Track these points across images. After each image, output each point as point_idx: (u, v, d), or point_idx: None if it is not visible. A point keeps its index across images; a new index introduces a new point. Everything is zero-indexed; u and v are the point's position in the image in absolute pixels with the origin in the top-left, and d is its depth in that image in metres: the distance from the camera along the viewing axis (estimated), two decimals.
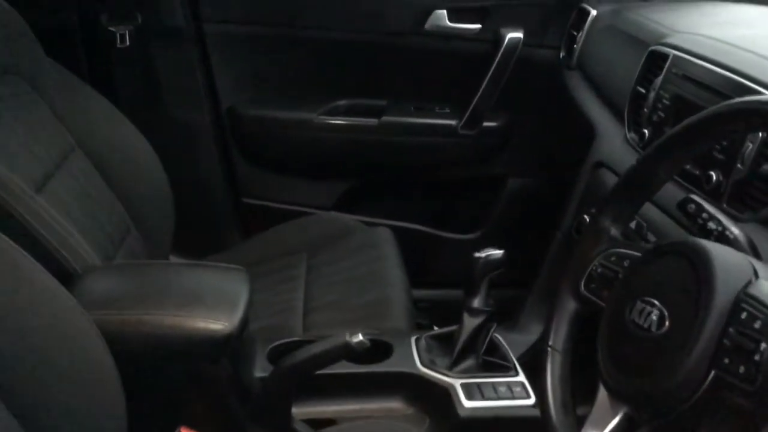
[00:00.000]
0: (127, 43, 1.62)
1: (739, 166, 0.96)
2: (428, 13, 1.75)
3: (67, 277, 1.13)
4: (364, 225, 1.74)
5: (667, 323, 0.69)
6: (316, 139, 1.82)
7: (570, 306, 0.86)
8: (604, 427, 0.73)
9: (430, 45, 1.78)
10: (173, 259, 1.77)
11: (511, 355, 1.24)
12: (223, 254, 1.74)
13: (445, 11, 1.75)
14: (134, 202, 1.53)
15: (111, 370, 0.93)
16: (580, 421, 0.77)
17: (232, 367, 1.11)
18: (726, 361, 0.63)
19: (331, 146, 1.83)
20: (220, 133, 1.81)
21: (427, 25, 1.75)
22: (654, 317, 0.70)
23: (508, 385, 1.17)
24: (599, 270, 0.83)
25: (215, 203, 1.85)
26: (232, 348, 1.08)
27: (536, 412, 1.10)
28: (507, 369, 1.20)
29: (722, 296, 0.65)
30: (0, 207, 1.13)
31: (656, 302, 0.70)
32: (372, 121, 1.81)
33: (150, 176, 1.58)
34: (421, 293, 1.84)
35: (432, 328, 1.87)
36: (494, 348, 1.25)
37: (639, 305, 0.72)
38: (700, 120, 0.76)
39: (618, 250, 0.83)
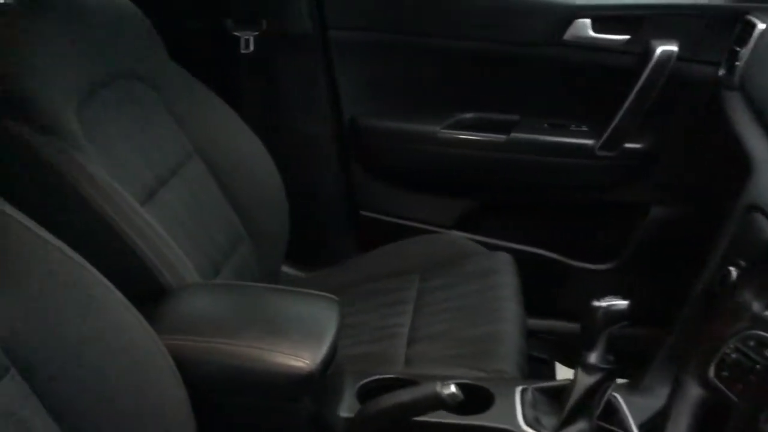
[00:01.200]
0: (251, 49, 1.60)
1: None
2: (569, 22, 1.60)
3: (160, 293, 1.11)
4: (483, 248, 1.63)
5: None
6: (440, 154, 1.73)
7: (694, 392, 0.71)
8: None
9: (570, 57, 1.63)
10: (285, 269, 1.74)
11: (631, 421, 1.08)
12: (334, 268, 1.69)
13: (588, 20, 1.60)
14: (249, 211, 1.50)
15: (182, 403, 0.89)
16: None
17: (314, 405, 1.03)
18: None
19: (455, 162, 1.73)
20: (340, 143, 1.75)
21: (567, 35, 1.61)
22: None
23: None
24: (734, 355, 0.68)
25: (331, 215, 1.81)
26: (314, 386, 1.00)
27: None
28: None
29: None
30: (101, 218, 1.12)
31: None
32: (500, 137, 1.68)
33: (266, 185, 1.55)
34: (541, 323, 1.72)
35: (550, 363, 1.74)
36: (611, 411, 1.09)
37: None
38: None
39: (760, 333, 0.67)
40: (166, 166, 1.37)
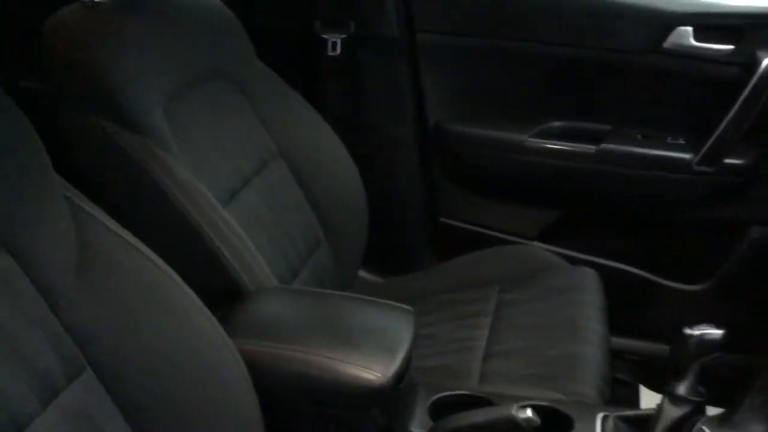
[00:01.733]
0: (338, 51, 1.59)
1: None
2: (670, 29, 1.53)
3: (237, 295, 1.11)
4: (566, 263, 1.57)
5: None
6: (526, 163, 1.67)
7: None
8: None
9: (668, 65, 1.55)
10: (362, 274, 1.72)
11: None
12: (412, 275, 1.67)
13: (690, 29, 1.52)
14: (329, 214, 1.50)
15: (252, 409, 0.89)
16: None
17: (384, 418, 1.01)
18: None
19: (541, 172, 1.67)
20: (423, 148, 1.72)
21: (667, 44, 1.53)
22: None
23: None
24: None
25: (411, 220, 1.78)
26: (385, 399, 0.98)
27: None
28: None
29: None
30: (184, 218, 1.14)
31: None
32: (590, 147, 1.62)
33: (347, 188, 1.54)
34: (626, 343, 1.65)
35: (634, 386, 1.67)
36: None
37: None
38: None
39: None
40: (249, 166, 1.38)
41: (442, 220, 1.78)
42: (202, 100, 1.32)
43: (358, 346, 0.99)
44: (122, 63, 1.16)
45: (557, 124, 1.66)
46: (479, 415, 0.98)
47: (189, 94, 1.29)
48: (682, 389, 0.99)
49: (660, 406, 1.02)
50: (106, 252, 0.81)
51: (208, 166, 1.27)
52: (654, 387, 1.60)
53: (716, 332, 0.98)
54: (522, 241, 1.71)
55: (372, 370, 0.95)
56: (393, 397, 1.01)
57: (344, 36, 1.60)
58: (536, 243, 1.70)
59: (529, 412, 0.93)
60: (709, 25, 1.52)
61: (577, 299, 1.45)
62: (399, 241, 1.77)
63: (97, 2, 1.19)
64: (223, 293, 1.11)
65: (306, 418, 0.99)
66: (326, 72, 1.66)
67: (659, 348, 1.64)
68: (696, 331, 0.99)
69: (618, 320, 1.43)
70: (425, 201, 1.76)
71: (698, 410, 1.00)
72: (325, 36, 1.60)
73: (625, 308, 1.50)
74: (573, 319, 1.39)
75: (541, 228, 1.72)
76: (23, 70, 1.46)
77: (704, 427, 1.03)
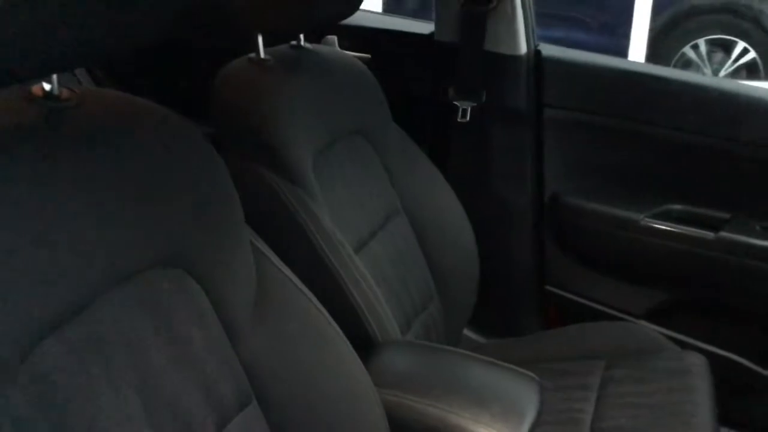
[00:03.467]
0: (467, 118, 1.67)
1: None
2: None
3: (368, 344, 1.17)
4: (674, 345, 1.57)
5: None
6: (638, 242, 1.69)
7: None
8: None
9: None
10: (467, 333, 1.76)
11: None
12: (514, 339, 1.69)
13: None
14: (443, 272, 1.56)
15: None
16: None
17: None
18: None
19: (654, 253, 1.68)
20: (538, 217, 1.77)
21: None
22: None
23: None
24: None
25: (519, 285, 1.81)
26: None
27: None
28: None
29: None
30: (325, 265, 1.21)
31: None
32: (708, 234, 1.62)
33: (462, 249, 1.60)
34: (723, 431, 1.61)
35: None
36: None
37: None
38: None
39: None
40: (377, 220, 1.46)
41: (549, 288, 1.81)
42: (343, 155, 1.41)
43: (488, 407, 1.03)
44: (282, 116, 1.26)
45: (676, 207, 1.67)
46: None
47: (334, 148, 1.38)
48: None
49: None
50: (277, 293, 0.89)
51: (345, 217, 1.35)
52: None
53: None
54: (628, 318, 1.72)
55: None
56: None
57: (474, 104, 1.67)
58: (643, 322, 1.70)
59: None
60: None
61: (686, 384, 1.44)
62: (505, 305, 1.80)
63: (263, 58, 1.30)
64: (353, 339, 1.18)
65: None
66: (454, 137, 1.73)
67: None
68: None
69: (725, 411, 1.42)
70: (535, 268, 1.80)
71: None
72: (457, 103, 1.67)
73: (732, 399, 1.48)
74: (681, 404, 1.39)
75: (649, 308, 1.73)
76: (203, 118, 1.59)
77: None
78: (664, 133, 1.65)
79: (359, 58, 1.58)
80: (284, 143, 1.24)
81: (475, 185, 1.73)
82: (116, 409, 0.68)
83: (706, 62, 5.20)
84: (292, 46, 1.39)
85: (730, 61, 5.23)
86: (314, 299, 0.92)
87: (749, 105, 1.59)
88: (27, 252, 0.60)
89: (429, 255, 1.55)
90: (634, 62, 2.36)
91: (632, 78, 1.67)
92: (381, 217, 1.48)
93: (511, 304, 1.81)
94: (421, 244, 1.55)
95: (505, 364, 1.16)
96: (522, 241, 1.78)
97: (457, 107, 1.67)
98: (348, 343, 0.93)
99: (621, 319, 1.72)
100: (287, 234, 1.21)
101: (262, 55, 1.30)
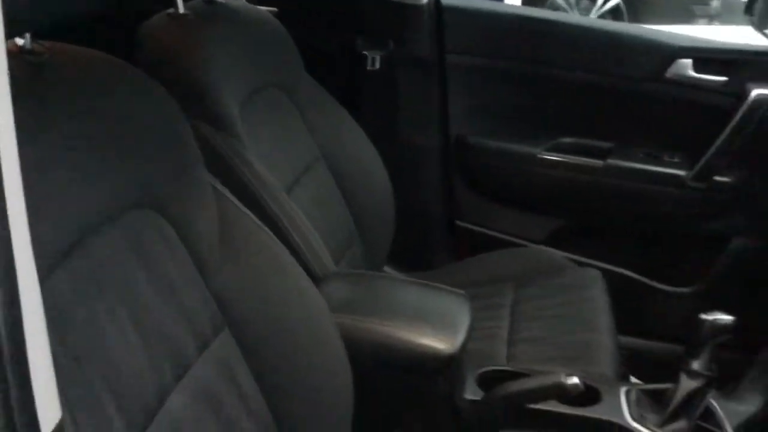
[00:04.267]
0: (377, 66, 1.75)
1: None
2: (672, 61, 1.73)
3: (311, 277, 1.25)
4: (574, 264, 1.74)
5: None
6: (537, 174, 1.85)
7: None
8: None
9: (669, 93, 1.75)
10: (387, 269, 1.87)
11: (727, 424, 1.19)
12: (432, 272, 1.81)
13: (690, 61, 1.72)
14: (362, 214, 1.65)
15: (347, 370, 1.02)
16: None
17: (447, 385, 1.17)
18: None
19: (551, 183, 1.85)
20: (445, 157, 1.89)
21: (669, 73, 1.73)
22: None
23: None
24: None
25: (432, 223, 1.94)
26: (449, 368, 1.14)
27: None
28: None
29: None
30: (258, 204, 1.27)
31: None
32: (597, 162, 1.80)
33: (378, 191, 1.69)
34: (624, 340, 1.81)
35: (626, 377, 1.84)
36: (709, 415, 1.21)
37: None
38: None
39: None
40: (300, 166, 1.53)
41: (459, 223, 1.95)
42: (263, 107, 1.46)
43: (428, 321, 1.15)
44: (207, 66, 1.30)
45: (568, 140, 1.84)
46: (529, 383, 1.15)
47: (256, 99, 1.43)
48: (697, 365, 1.18)
49: (678, 380, 1.20)
50: (241, 229, 0.96)
51: (272, 163, 1.41)
52: (642, 379, 1.78)
53: (728, 318, 1.17)
54: (532, 244, 1.89)
55: (443, 341, 1.11)
56: (454, 368, 1.16)
57: (383, 53, 1.76)
58: (544, 247, 1.87)
59: (575, 379, 1.10)
60: (706, 58, 1.72)
61: (587, 295, 1.62)
62: (420, 242, 1.92)
63: (180, 13, 1.33)
64: None
65: (383, 386, 1.14)
66: (365, 86, 1.82)
67: (655, 345, 1.82)
68: (710, 317, 1.17)
69: (617, 319, 1.60)
70: (445, 205, 1.93)
71: (710, 384, 1.18)
72: (366, 53, 1.75)
73: (623, 308, 1.67)
74: (585, 312, 1.56)
75: (549, 233, 1.90)
76: None
77: (713, 401, 1.22)
78: (557, 74, 1.80)
79: (268, 11, 1.63)
80: (212, 92, 1.29)
81: (387, 130, 1.82)
82: (117, 340, 0.74)
83: (574, 8, 5.51)
84: (207, 1, 1.43)
85: (595, 8, 5.56)
86: (271, 234, 1.00)
87: (631, 45, 1.77)
88: None
89: (348, 198, 1.63)
90: (529, 8, 2.50)
91: (527, 23, 1.81)
92: (303, 164, 1.55)
93: (425, 239, 1.93)
94: (341, 188, 1.63)
95: (437, 285, 1.28)
96: (432, 180, 1.90)
97: (365, 56, 1.76)
98: (304, 272, 1.02)
99: (525, 245, 1.88)
100: (224, 180, 1.27)
101: (181, 9, 1.33)
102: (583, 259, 1.82)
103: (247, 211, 0.98)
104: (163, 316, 0.81)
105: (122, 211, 0.78)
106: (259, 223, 0.98)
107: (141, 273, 0.79)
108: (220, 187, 0.97)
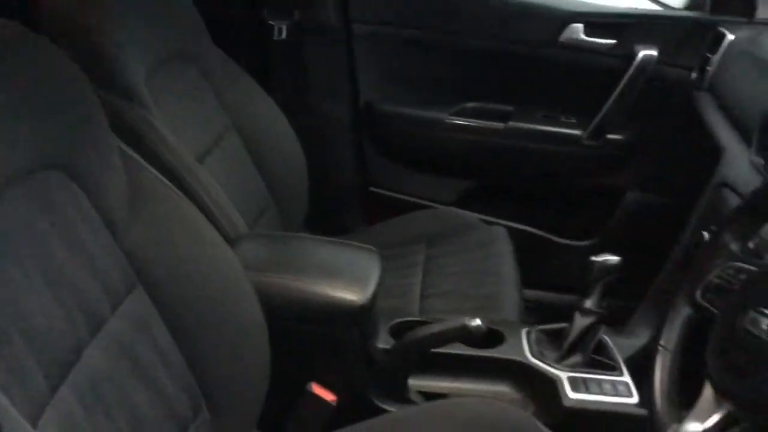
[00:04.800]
0: (284, 36, 1.78)
1: None
2: (564, 25, 1.82)
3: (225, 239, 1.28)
4: (482, 222, 1.83)
5: None
6: (444, 138, 1.93)
7: (684, 312, 0.93)
8: (706, 420, 0.80)
9: (563, 56, 1.85)
10: (303, 235, 1.91)
11: (618, 356, 1.30)
12: (347, 236, 1.86)
13: (581, 25, 1.82)
14: (275, 182, 1.68)
15: (262, 325, 1.06)
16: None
17: (360, 335, 1.23)
18: None
19: (458, 146, 1.93)
20: (356, 125, 1.94)
21: (562, 38, 1.83)
22: (766, 326, 0.76)
23: (613, 383, 1.23)
24: (716, 281, 0.89)
25: (345, 189, 1.99)
26: (362, 318, 1.20)
27: (638, 411, 1.17)
28: (613, 368, 1.27)
29: None
30: (169, 171, 1.29)
31: None
32: (499, 125, 1.89)
33: (291, 159, 1.73)
34: (529, 293, 1.91)
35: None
36: (601, 348, 1.31)
37: (752, 314, 0.78)
38: None
39: (736, 264, 0.89)
40: (211, 137, 1.55)
41: (372, 189, 2.01)
42: (171, 77, 1.47)
43: (339, 275, 1.20)
44: (111, 38, 1.30)
45: (472, 104, 1.92)
46: (435, 327, 1.22)
47: (162, 71, 1.44)
48: (589, 303, 1.28)
49: (573, 318, 1.30)
50: (150, 189, 0.98)
51: (181, 134, 1.43)
52: None
53: (615, 258, 1.27)
54: (442, 206, 1.96)
55: (354, 293, 1.17)
56: (366, 318, 1.23)
57: (289, 23, 1.79)
58: (454, 208, 1.95)
59: (478, 321, 1.18)
60: (597, 22, 1.82)
61: (494, 251, 1.71)
62: (334, 207, 1.97)
63: None
64: None
65: (300, 338, 1.19)
66: (273, 56, 1.84)
67: (558, 297, 1.94)
68: (600, 258, 1.27)
69: (523, 273, 1.69)
70: (357, 172, 1.98)
71: (601, 321, 1.29)
72: (272, 22, 1.78)
73: (529, 263, 1.75)
74: (492, 266, 1.65)
75: (458, 195, 1.99)
76: None
77: (605, 336, 1.33)
78: (460, 42, 1.87)
79: None
80: (116, 62, 1.29)
81: (297, 100, 1.86)
82: (30, 296, 0.76)
83: None
84: None
85: None
86: (182, 195, 1.02)
87: (526, 12, 1.85)
88: None
89: (262, 167, 1.66)
90: None
91: None
92: (214, 134, 1.56)
93: (339, 206, 1.99)
94: (253, 158, 1.65)
95: (348, 242, 1.33)
96: (343, 148, 1.95)
97: (272, 26, 1.78)
98: (216, 233, 1.05)
99: (436, 207, 1.96)
100: (134, 148, 1.28)
101: None
102: (490, 219, 1.91)
103: (158, 174, 1.01)
104: (75, 274, 0.83)
105: (29, 173, 0.80)
106: (169, 184, 1.01)
107: (52, 231, 0.81)
108: (128, 150, 0.99)
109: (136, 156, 1.00)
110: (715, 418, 0.80)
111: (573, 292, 1.86)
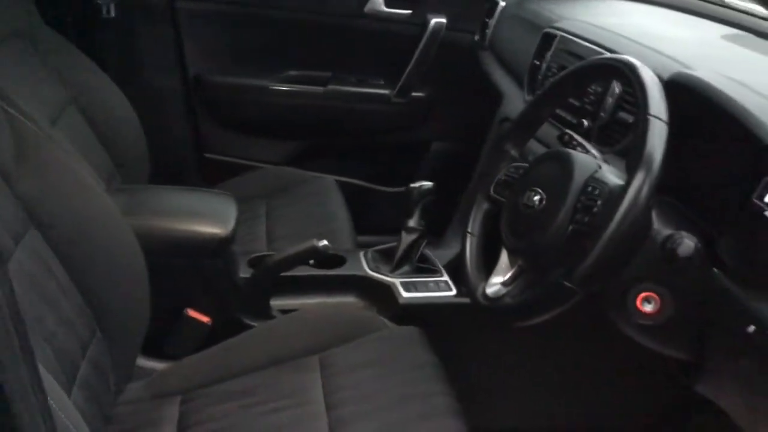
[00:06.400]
0: (112, 14, 1.89)
1: (602, 114, 1.34)
2: None
3: None
4: (313, 176, 2.06)
5: (544, 202, 1.05)
6: (271, 104, 2.13)
7: (484, 205, 1.22)
8: (505, 275, 1.09)
9: (369, 26, 2.10)
10: None
11: (438, 264, 1.60)
12: None
13: None
14: (116, 151, 1.79)
15: (141, 262, 1.22)
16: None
17: (225, 265, 1.42)
18: (578, 217, 0.99)
19: (284, 110, 2.14)
20: (187, 96, 2.09)
21: (366, 9, 2.08)
22: (536, 199, 1.06)
23: (436, 282, 1.53)
24: (503, 178, 1.19)
25: (182, 157, 2.13)
26: (225, 249, 1.39)
27: (456, 300, 1.48)
28: (435, 272, 1.57)
29: (577, 180, 1.02)
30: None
31: (538, 189, 1.06)
32: (319, 89, 2.12)
33: (129, 130, 1.85)
34: (360, 239, 2.17)
35: None
36: (425, 259, 1.61)
37: (527, 193, 1.08)
38: (567, 75, 1.13)
39: (516, 164, 1.19)
40: (50, 113, 1.63)
41: (207, 155, 2.16)
42: (8, 54, 1.55)
43: (203, 214, 1.38)
44: None
45: (294, 72, 2.13)
46: (287, 251, 1.45)
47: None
48: (412, 222, 1.56)
49: (399, 237, 1.57)
50: (35, 145, 1.11)
51: (24, 104, 1.52)
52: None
53: (429, 183, 1.56)
54: (274, 166, 2.17)
55: (218, 227, 1.36)
56: (229, 250, 1.42)
57: (117, 1, 1.89)
58: (286, 167, 2.16)
59: (325, 242, 1.42)
60: None
61: (326, 199, 1.95)
62: (174, 175, 2.09)
63: None
64: None
65: (174, 270, 1.36)
66: (103, 33, 1.94)
67: (384, 239, 2.20)
68: (417, 184, 1.56)
69: (356, 220, 1.94)
70: (191, 139, 2.13)
71: (423, 236, 1.57)
72: (99, 1, 1.88)
73: (355, 211, 1.98)
74: (326, 210, 1.89)
75: (288, 155, 2.20)
76: None
77: (427, 251, 1.62)
78: (278, 15, 2.07)
79: None
80: None
81: (129, 75, 1.96)
82: None
83: None
84: None
85: None
86: (63, 147, 1.15)
87: None
88: None
89: (103, 139, 1.76)
90: None
91: None
92: (53, 111, 1.65)
93: (178, 173, 2.11)
94: (94, 130, 1.76)
95: (207, 189, 1.51)
96: (178, 118, 2.09)
97: (99, 5, 1.88)
98: (95, 182, 1.19)
99: (269, 167, 2.15)
100: None
101: None
102: (319, 174, 2.14)
103: (42, 129, 1.13)
104: None
105: None
106: (52, 137, 1.14)
107: None
108: (16, 111, 1.11)
109: (12, 111, 1.11)
110: (510, 273, 1.09)
111: (395, 233, 2.15)
